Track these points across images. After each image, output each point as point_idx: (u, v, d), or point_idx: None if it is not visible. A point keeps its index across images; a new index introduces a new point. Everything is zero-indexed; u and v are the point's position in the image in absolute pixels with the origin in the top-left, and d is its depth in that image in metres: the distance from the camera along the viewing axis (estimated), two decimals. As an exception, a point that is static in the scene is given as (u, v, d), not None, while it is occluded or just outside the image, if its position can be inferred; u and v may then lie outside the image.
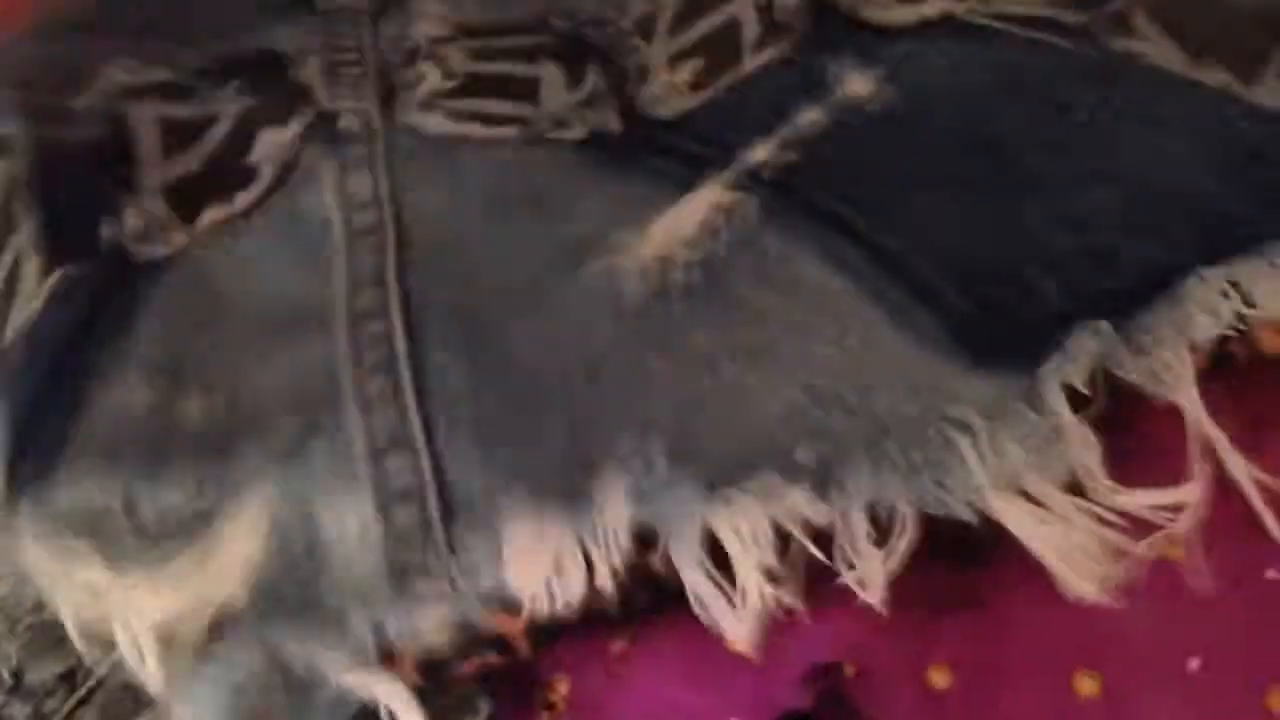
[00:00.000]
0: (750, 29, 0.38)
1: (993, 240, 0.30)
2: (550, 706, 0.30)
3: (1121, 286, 0.29)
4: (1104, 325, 0.27)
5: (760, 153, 0.33)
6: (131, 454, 0.30)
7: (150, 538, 0.29)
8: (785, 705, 0.29)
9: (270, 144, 0.36)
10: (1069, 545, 0.26)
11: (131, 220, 0.35)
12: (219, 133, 0.37)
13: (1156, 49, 0.34)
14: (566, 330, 0.31)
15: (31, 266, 0.34)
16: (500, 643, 0.28)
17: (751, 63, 0.37)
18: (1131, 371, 0.27)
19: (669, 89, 0.38)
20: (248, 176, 0.36)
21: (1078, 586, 0.26)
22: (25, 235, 0.34)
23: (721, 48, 0.38)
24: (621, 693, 0.28)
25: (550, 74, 0.39)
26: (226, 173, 0.37)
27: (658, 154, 0.36)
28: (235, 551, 0.28)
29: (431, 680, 0.28)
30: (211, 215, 0.35)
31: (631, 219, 0.33)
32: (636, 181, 0.35)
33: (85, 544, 0.29)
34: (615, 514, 0.27)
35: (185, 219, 0.36)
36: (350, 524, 0.28)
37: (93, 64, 0.39)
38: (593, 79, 0.39)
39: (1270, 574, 0.28)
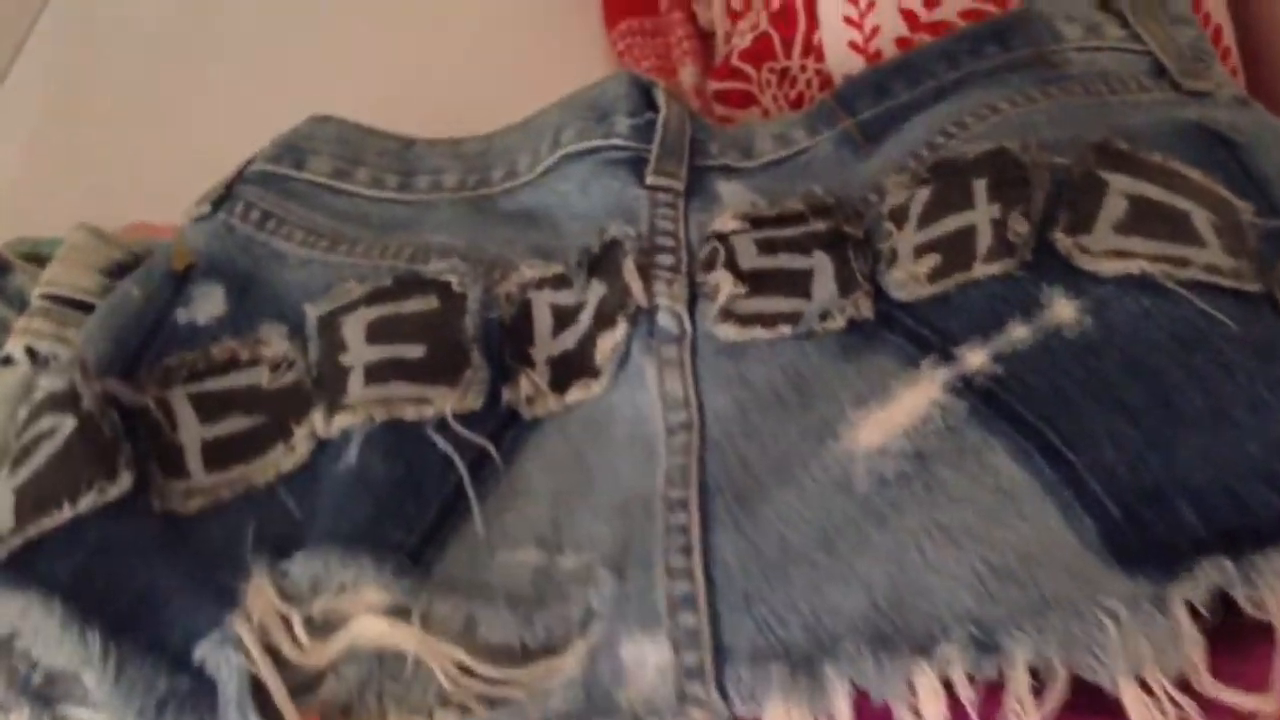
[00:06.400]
0: (984, 240, 0.43)
1: (1149, 467, 0.36)
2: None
3: (1246, 525, 0.34)
4: (1227, 563, 0.33)
5: (975, 358, 0.40)
6: (525, 603, 0.38)
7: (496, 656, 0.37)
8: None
9: (608, 348, 0.45)
10: None
11: (524, 387, 0.44)
12: (586, 317, 0.46)
13: None
14: (810, 506, 0.39)
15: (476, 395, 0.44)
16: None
17: (980, 270, 0.42)
18: (1241, 597, 0.33)
19: (911, 277, 0.44)
20: (598, 370, 0.45)
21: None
22: (472, 369, 0.45)
23: (958, 250, 0.43)
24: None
25: (821, 264, 0.46)
26: (588, 355, 0.45)
27: (894, 331, 0.43)
28: (564, 669, 0.36)
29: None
30: (576, 393, 0.44)
31: (868, 395, 0.40)
32: (876, 357, 0.42)
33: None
34: (841, 701, 0.34)
35: (557, 390, 0.45)
36: (649, 657, 0.36)
37: (512, 259, 0.48)
38: (854, 266, 0.45)
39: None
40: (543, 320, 0.47)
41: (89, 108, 0.75)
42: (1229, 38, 0.58)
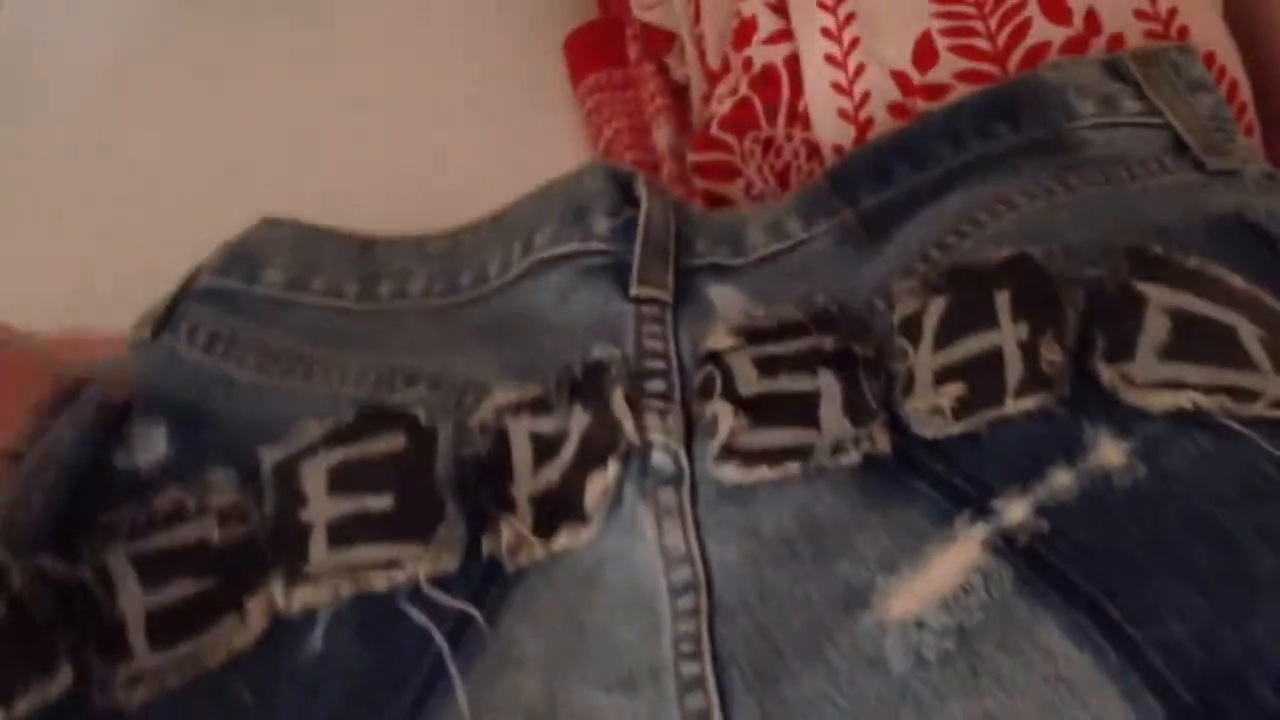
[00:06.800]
0: (1014, 370, 0.38)
1: (1221, 641, 0.32)
2: None
3: None
4: None
5: (1016, 512, 0.35)
6: None
7: None
8: None
9: (597, 491, 0.40)
10: None
11: (506, 535, 0.39)
12: (570, 449, 0.41)
13: None
14: (839, 689, 0.34)
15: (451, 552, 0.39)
16: None
17: (1014, 406, 0.38)
18: None
19: (933, 409, 0.39)
20: (586, 514, 0.40)
21: None
22: (446, 523, 0.40)
23: (984, 381, 0.39)
24: None
25: (828, 386, 0.41)
26: (575, 494, 0.40)
27: (921, 478, 0.38)
28: None
29: None
30: (564, 540, 0.39)
31: (898, 556, 0.36)
32: (901, 508, 0.38)
33: None
34: None
35: (542, 534, 0.39)
36: None
37: (485, 382, 0.43)
38: (866, 389, 0.41)
39: None
40: (522, 452, 0.42)
41: (24, 201, 0.69)
42: (1245, 93, 0.55)
